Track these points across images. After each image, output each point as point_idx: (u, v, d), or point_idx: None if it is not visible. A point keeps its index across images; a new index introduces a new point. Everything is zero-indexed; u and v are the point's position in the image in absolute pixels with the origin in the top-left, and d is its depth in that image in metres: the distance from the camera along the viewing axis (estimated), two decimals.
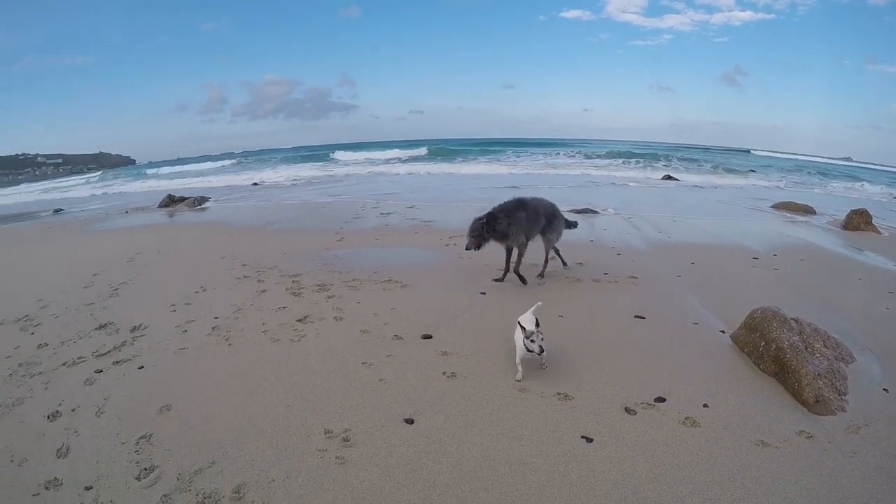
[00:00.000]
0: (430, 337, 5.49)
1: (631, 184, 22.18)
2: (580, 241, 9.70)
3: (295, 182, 28.74)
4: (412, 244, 9.92)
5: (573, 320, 5.82)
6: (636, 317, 5.90)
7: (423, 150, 48.06)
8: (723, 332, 5.55)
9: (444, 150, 50.56)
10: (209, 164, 58.02)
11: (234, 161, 60.91)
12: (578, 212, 13.05)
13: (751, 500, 3.15)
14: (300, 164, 43.42)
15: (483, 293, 6.85)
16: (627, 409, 4.05)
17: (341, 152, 51.56)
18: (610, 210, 13.77)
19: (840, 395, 4.26)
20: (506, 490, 3.26)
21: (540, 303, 5.00)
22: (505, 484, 3.31)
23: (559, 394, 4.29)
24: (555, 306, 6.15)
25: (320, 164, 43.52)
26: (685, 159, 39.54)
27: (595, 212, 13.15)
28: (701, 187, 21.94)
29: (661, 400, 4.18)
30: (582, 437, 3.74)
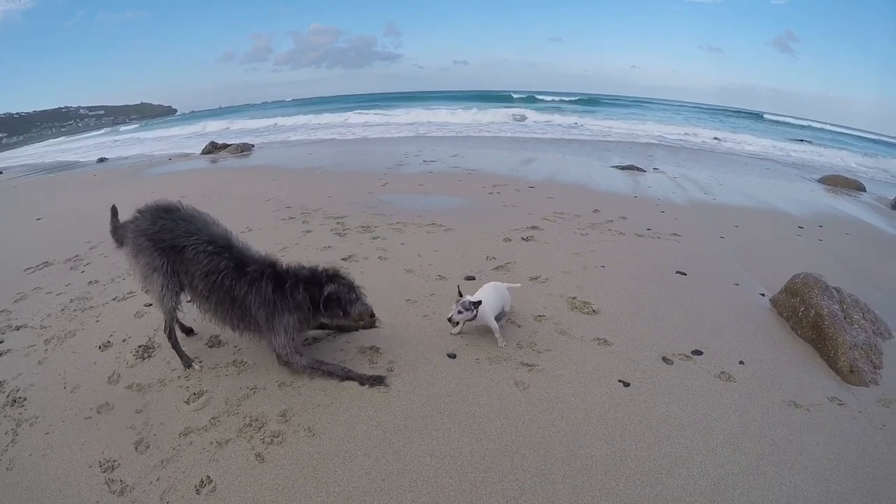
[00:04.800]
0: (473, 279, 5.59)
1: (676, 144, 21.74)
2: (624, 196, 9.72)
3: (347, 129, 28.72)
4: (455, 191, 9.94)
5: (615, 271, 5.86)
6: (677, 272, 5.93)
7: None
8: (762, 294, 5.56)
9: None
10: (253, 113, 58.04)
11: (279, 109, 60.92)
12: (623, 168, 12.96)
13: (779, 455, 3.23)
14: (346, 113, 41.26)
15: (525, 239, 6.87)
16: (665, 359, 4.14)
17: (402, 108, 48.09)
18: (656, 168, 13.60)
19: (875, 368, 4.28)
20: (543, 424, 3.39)
21: (519, 284, 4.92)
22: (543, 419, 3.43)
23: (598, 339, 4.38)
24: (597, 256, 6.23)
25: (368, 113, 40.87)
26: (735, 125, 38.16)
27: (641, 170, 12.97)
28: (750, 152, 21.38)
29: (698, 353, 4.25)
30: (619, 380, 3.85)
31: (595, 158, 14.96)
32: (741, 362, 4.17)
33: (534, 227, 7.30)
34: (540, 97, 53.00)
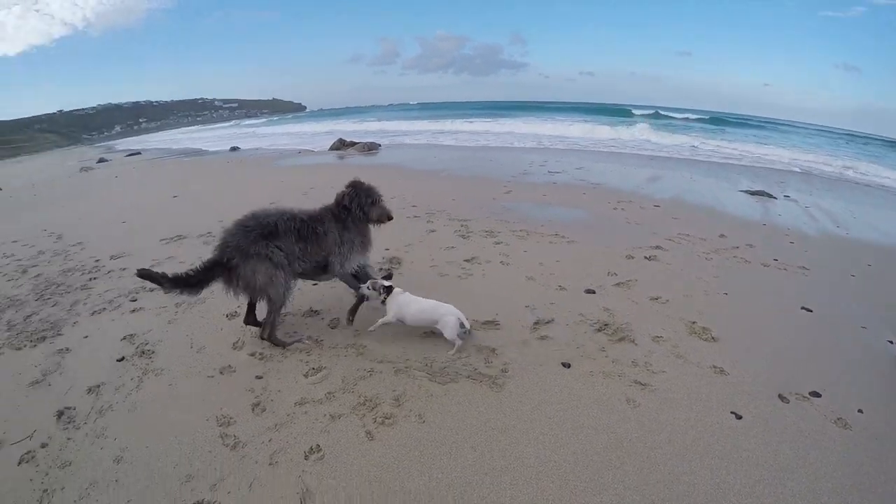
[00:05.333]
0: (593, 292, 5.59)
1: (808, 171, 20.51)
2: (752, 222, 9.40)
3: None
4: (579, 204, 9.95)
5: (737, 300, 5.71)
6: (802, 308, 5.68)
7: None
8: (891, 342, 5.24)
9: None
10: (380, 114, 59.66)
11: (405, 112, 62.42)
12: (752, 193, 12.50)
13: None
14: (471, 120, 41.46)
15: (648, 258, 6.81)
16: (781, 396, 4.02)
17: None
18: (787, 196, 12.94)
19: None
20: (649, 445, 3.40)
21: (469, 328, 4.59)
22: (650, 440, 3.44)
23: (715, 367, 4.32)
24: (720, 283, 6.11)
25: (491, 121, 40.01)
26: (872, 153, 35.16)
27: (771, 196, 12.44)
28: (888, 186, 19.83)
29: (816, 395, 4.09)
30: (732, 412, 3.78)
31: (723, 181, 14.51)
32: (860, 411, 3.97)
33: (657, 247, 7.21)
34: (666, 113, 51.21)
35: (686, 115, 50.17)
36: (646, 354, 4.43)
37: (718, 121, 47.73)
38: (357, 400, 3.80)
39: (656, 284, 5.92)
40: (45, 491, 3.20)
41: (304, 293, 5.67)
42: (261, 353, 4.51)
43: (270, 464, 3.24)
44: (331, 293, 5.70)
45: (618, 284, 5.85)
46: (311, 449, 3.34)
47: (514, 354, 4.35)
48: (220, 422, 3.67)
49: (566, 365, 4.22)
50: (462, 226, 8.11)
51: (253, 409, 3.79)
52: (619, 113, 50.83)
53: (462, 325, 4.33)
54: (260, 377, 4.19)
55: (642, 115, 49.00)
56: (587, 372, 4.14)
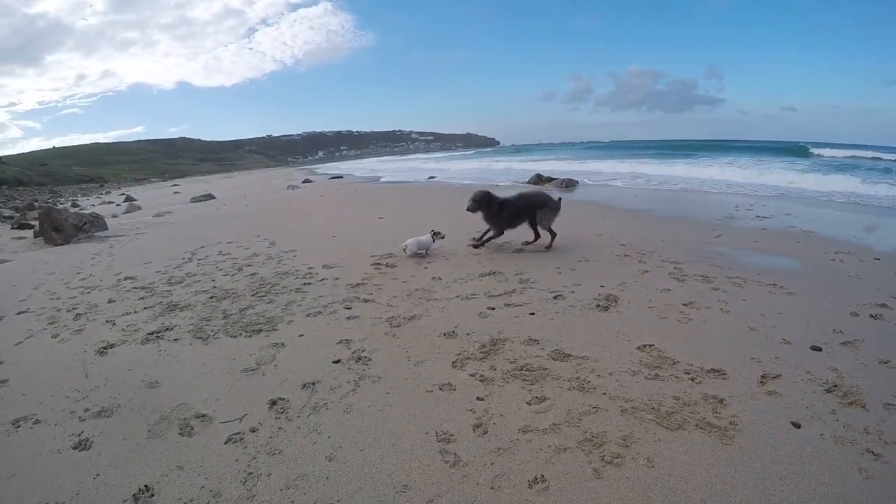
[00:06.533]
0: (819, 349, 5.33)
1: None
2: None
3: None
4: (793, 253, 9.57)
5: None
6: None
7: None
8: None
9: None
10: (576, 152, 60.08)
11: (596, 150, 62.44)
12: None
13: None
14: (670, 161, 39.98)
15: (874, 316, 6.31)
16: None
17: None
18: None
19: None
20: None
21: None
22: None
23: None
24: None
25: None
26: None
27: None
28: None
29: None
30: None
31: None
32: None
33: (883, 305, 6.69)
34: (881, 154, 45.83)
35: None
36: (878, 422, 4.13)
37: None
38: (583, 435, 3.80)
39: (885, 347, 5.49)
40: (251, 474, 3.45)
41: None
42: (482, 375, 4.65)
43: (492, 488, 3.30)
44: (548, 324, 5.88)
45: (844, 343, 5.52)
46: (536, 479, 3.37)
47: (743, 407, 4.21)
48: (440, 437, 3.79)
49: (797, 425, 4.04)
50: (675, 268, 8.06)
51: (474, 430, 3.88)
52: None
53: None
54: (482, 399, 4.30)
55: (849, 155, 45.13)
56: (818, 434, 3.94)
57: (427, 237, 9.02)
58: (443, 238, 9.13)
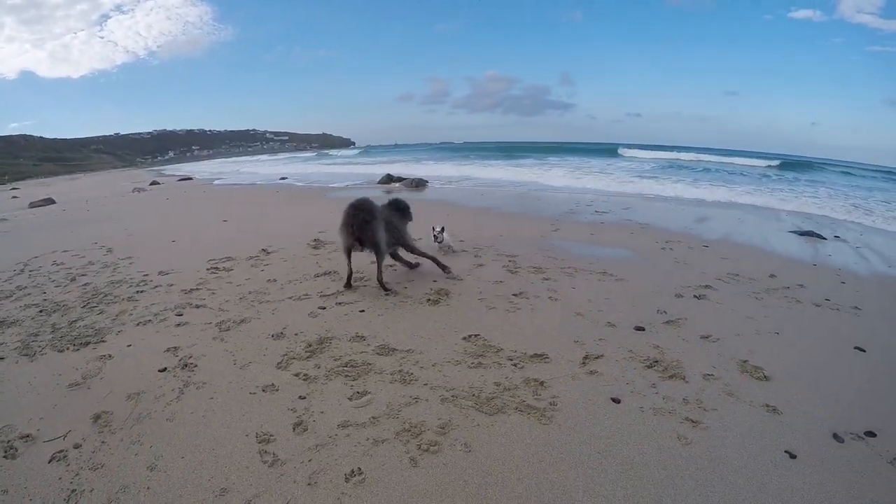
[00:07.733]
0: (642, 329, 5.55)
1: (859, 210, 19.96)
2: (802, 262, 9.29)
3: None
4: (627, 243, 9.94)
5: (789, 340, 5.60)
6: (855, 348, 5.54)
7: None
8: None
9: None
10: (432, 153, 60.99)
11: (452, 151, 63.77)
12: (801, 234, 12.33)
13: None
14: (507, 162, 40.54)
15: (698, 297, 6.74)
16: (835, 436, 3.91)
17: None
18: (838, 237, 12.68)
19: None
20: (701, 482, 3.33)
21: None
22: (702, 477, 3.37)
23: (768, 406, 4.23)
24: (771, 322, 6.01)
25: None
26: None
27: (821, 237, 12.20)
28: None
29: (871, 434, 3.96)
30: (786, 451, 3.69)
31: (773, 221, 14.42)
32: None
33: (706, 286, 7.14)
34: (715, 156, 50.80)
35: (733, 159, 49.20)
36: (697, 392, 4.35)
37: (790, 166, 46.16)
38: (401, 426, 3.79)
39: (706, 323, 5.84)
40: (74, 491, 3.25)
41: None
42: (305, 374, 4.56)
43: (309, 484, 3.25)
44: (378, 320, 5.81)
45: (667, 322, 5.80)
46: (353, 471, 3.33)
47: (563, 388, 4.32)
48: (260, 438, 3.71)
49: (616, 400, 4.17)
50: (510, 261, 8.17)
51: (294, 429, 3.82)
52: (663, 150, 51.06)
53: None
54: (303, 397, 4.22)
55: (691, 158, 49.02)
56: (637, 408, 4.09)
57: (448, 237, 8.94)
58: (441, 232, 8.90)
